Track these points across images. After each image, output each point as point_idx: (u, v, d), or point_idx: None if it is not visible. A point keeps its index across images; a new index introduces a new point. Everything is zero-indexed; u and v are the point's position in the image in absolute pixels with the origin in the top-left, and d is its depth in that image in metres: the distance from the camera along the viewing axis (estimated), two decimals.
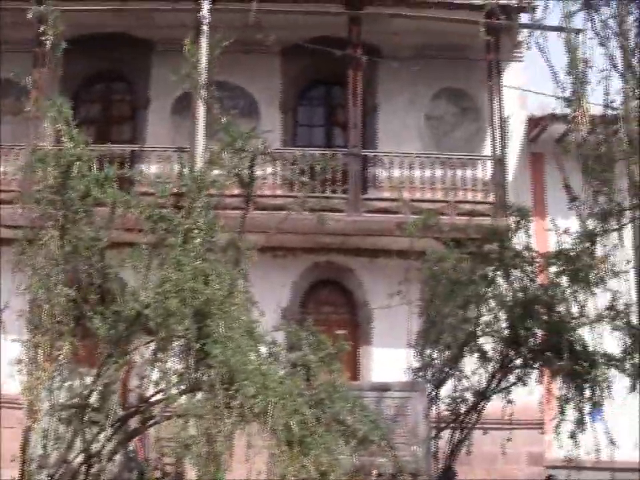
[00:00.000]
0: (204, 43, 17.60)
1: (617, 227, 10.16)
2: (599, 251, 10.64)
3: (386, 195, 17.85)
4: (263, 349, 9.70)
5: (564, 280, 11.47)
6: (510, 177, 18.23)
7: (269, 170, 17.39)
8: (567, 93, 9.85)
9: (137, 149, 18.25)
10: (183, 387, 8.91)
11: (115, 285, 9.34)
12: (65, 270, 9.16)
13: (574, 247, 11.16)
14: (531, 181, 18.82)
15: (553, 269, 11.70)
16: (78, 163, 8.71)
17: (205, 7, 17.78)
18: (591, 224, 10.35)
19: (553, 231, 11.88)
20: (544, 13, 10.38)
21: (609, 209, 10.07)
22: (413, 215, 16.74)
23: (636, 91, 9.65)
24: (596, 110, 10.17)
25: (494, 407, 12.60)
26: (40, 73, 18.04)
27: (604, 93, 9.88)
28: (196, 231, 9.07)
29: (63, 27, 17.63)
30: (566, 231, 11.53)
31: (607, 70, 9.91)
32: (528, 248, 12.07)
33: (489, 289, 12.00)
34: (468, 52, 18.27)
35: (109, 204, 8.96)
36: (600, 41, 10.08)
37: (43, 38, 9.85)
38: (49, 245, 8.47)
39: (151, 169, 17.92)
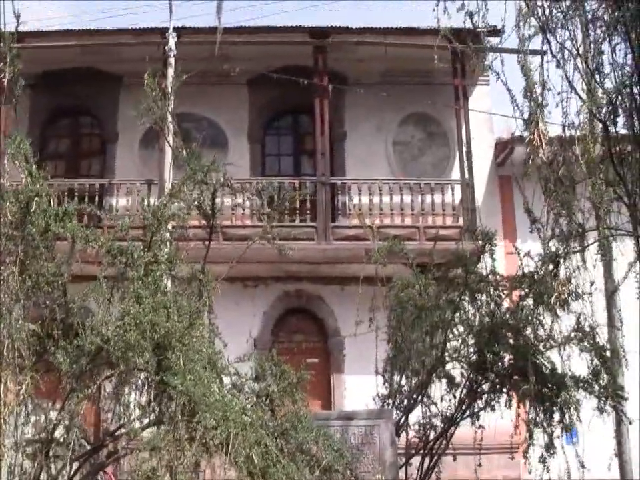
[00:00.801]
0: (170, 75, 17.74)
1: (579, 248, 10.20)
2: (562, 273, 10.67)
3: (355, 222, 17.90)
4: (227, 380, 9.72)
5: (530, 303, 11.50)
6: (479, 200, 18.35)
7: (238, 200, 17.45)
8: (525, 116, 9.94)
9: (105, 182, 18.24)
10: (145, 420, 8.90)
11: (78, 319, 9.30)
12: (26, 305, 9.16)
13: (536, 270, 11.21)
14: (500, 204, 18.92)
15: (518, 292, 11.75)
16: (36, 199, 8.70)
17: (171, 40, 17.92)
18: (553, 246, 10.39)
19: (516, 253, 11.95)
20: (504, 36, 10.49)
21: (571, 231, 10.12)
22: (381, 241, 16.89)
23: (594, 111, 9.75)
24: (556, 131, 10.26)
25: (465, 432, 12.60)
26: (3, 109, 18.05)
27: (562, 114, 9.95)
28: (155, 264, 9.07)
29: (22, 65, 17.98)
30: (528, 254, 11.58)
31: (565, 91, 10.01)
32: (493, 272, 12.11)
33: (456, 314, 12.01)
34: (434, 77, 18.40)
35: (69, 238, 8.97)
36: (557, 63, 10.18)
37: (2, 75, 9.73)
38: (8, 281, 8.47)
39: (120, 202, 18.00)
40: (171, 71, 17.76)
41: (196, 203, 10.62)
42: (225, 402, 8.60)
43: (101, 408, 9.80)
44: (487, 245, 12.07)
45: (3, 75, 9.61)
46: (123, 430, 9.22)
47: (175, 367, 8.53)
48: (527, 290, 11.43)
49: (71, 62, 18.49)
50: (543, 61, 10.23)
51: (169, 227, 10.22)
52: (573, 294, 10.73)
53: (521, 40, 10.29)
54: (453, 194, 18.02)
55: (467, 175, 17.81)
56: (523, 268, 11.64)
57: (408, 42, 18.10)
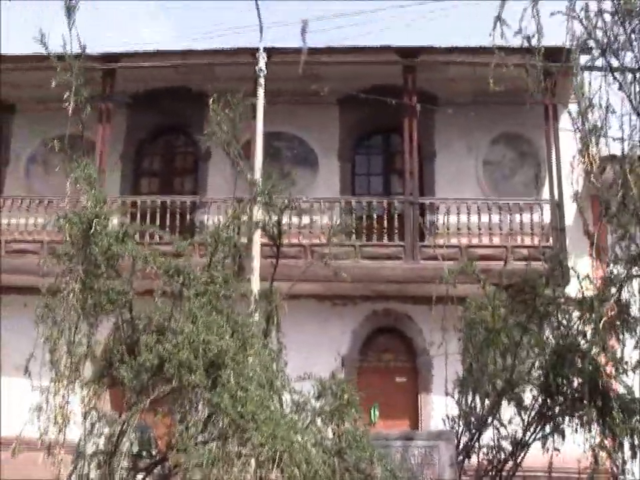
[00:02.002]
0: (260, 94, 18.19)
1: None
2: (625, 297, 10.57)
3: (443, 241, 17.97)
4: (287, 398, 9.99)
5: (598, 326, 11.41)
6: (570, 220, 18.18)
7: (325, 219, 17.77)
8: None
9: (195, 199, 18.75)
10: (200, 436, 9.23)
11: (141, 335, 9.72)
12: (92, 322, 9.65)
13: (598, 294, 11.12)
14: (592, 224, 18.66)
15: (586, 315, 11.66)
16: (96, 220, 9.16)
17: (261, 60, 18.29)
18: (615, 270, 10.35)
19: (585, 278, 11.83)
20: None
21: (633, 255, 10.09)
22: (469, 261, 16.97)
23: None
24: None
25: (535, 455, 12.56)
26: (104, 128, 18.86)
27: (622, 136, 9.97)
28: (212, 284, 9.42)
29: (119, 85, 18.70)
30: (587, 277, 11.50)
31: (627, 114, 10.02)
32: (562, 294, 12.06)
33: (526, 337, 12.00)
34: (525, 96, 18.30)
35: (129, 258, 9.40)
36: (619, 86, 10.20)
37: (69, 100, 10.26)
38: (68, 298, 8.94)
39: (211, 219, 18.49)
40: (261, 91, 18.24)
41: (260, 224, 10.98)
42: (276, 420, 8.87)
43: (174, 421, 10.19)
44: (558, 266, 12.04)
45: (75, 98, 10.08)
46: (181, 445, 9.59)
47: (227, 384, 8.86)
48: (587, 314, 11.33)
49: (166, 82, 19.15)
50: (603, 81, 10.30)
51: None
52: (632, 319, 10.61)
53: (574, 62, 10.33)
54: (542, 214, 17.90)
55: (556, 195, 17.67)
56: (583, 292, 11.54)
57: (498, 61, 18.06)
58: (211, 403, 8.74)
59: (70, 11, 10.11)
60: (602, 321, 10.32)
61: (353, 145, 20.49)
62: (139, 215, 18.25)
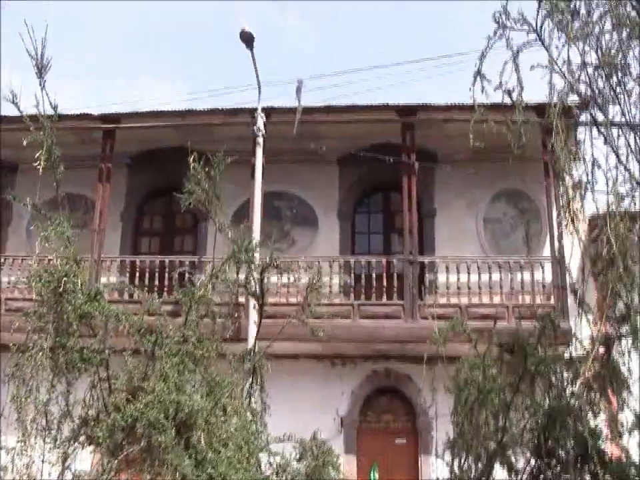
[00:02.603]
0: (259, 154, 18.20)
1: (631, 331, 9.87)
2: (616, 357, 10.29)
3: (443, 301, 17.76)
4: (265, 460, 9.79)
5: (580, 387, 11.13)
6: (573, 278, 17.90)
7: (326, 278, 17.66)
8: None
9: (195, 259, 18.66)
10: None
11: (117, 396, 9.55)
12: (67, 381, 9.49)
13: (586, 353, 10.84)
14: (595, 282, 18.41)
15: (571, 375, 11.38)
16: (65, 279, 9.03)
17: (260, 120, 18.36)
18: (602, 329, 10.10)
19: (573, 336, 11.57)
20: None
21: (622, 314, 9.85)
22: (470, 320, 16.71)
23: None
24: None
25: None
26: (104, 187, 18.87)
27: (608, 190, 9.82)
28: (184, 343, 9.26)
29: (119, 145, 18.75)
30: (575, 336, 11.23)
31: (614, 168, 9.88)
32: (555, 354, 11.78)
33: (518, 397, 11.71)
34: (524, 151, 18.15)
35: (101, 317, 9.27)
36: (604, 139, 10.07)
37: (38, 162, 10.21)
38: (36, 357, 8.81)
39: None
40: (259, 150, 18.26)
41: (239, 282, 10.83)
42: None
43: None
44: (549, 325, 11.75)
45: (39, 161, 10.02)
46: None
47: (197, 445, 8.66)
48: (572, 374, 11.05)
49: (166, 141, 19.07)
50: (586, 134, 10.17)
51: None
52: (620, 379, 10.31)
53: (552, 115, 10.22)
54: (543, 271, 17.67)
55: (557, 252, 17.44)
56: (570, 352, 11.26)
57: (497, 118, 17.99)
58: (175, 464, 8.51)
59: (41, 70, 10.05)
60: (580, 381, 10.02)
61: (353, 203, 20.43)
62: (137, 274, 18.18)
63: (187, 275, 17.43)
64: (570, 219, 9.44)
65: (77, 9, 47.22)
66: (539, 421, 11.53)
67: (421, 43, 42.66)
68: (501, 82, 10.27)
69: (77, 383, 9.59)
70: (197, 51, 46.62)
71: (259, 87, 18.47)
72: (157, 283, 17.67)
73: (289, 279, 16.88)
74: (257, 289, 11.11)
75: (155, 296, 10.58)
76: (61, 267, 9.14)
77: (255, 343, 11.46)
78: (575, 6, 9.71)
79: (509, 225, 19.33)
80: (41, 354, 8.85)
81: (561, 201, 9.94)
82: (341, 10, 46.15)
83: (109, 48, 48.42)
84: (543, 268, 17.68)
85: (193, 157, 11.35)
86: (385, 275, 17.93)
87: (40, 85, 10.49)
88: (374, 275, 17.91)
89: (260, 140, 18.26)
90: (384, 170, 18.57)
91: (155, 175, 20.07)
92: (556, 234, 17.52)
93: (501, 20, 9.95)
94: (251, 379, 10.90)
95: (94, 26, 47.36)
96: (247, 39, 17.87)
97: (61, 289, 8.99)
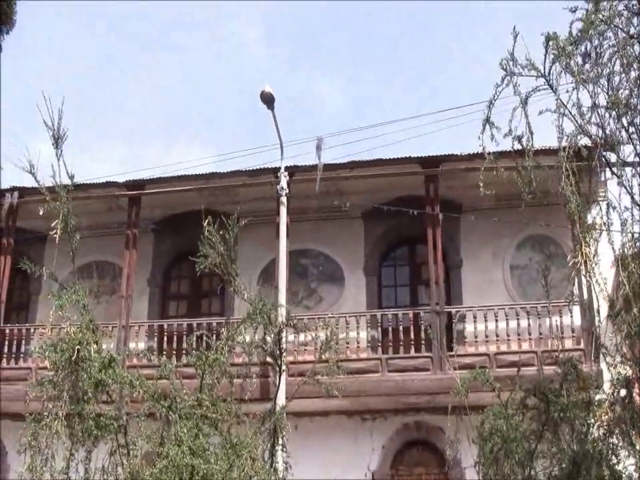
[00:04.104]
0: (283, 213, 18.16)
1: None
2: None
3: (471, 350, 17.53)
4: None
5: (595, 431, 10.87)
6: (603, 321, 17.59)
7: (353, 333, 17.55)
8: None
9: (221, 321, 18.52)
10: None
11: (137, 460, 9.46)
12: (86, 449, 9.43)
13: (608, 397, 10.59)
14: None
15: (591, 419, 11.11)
16: (78, 347, 9.01)
17: (283, 179, 18.36)
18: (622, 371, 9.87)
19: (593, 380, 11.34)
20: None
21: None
22: (499, 368, 16.46)
23: None
24: None
25: None
26: (131, 253, 18.92)
27: (623, 233, 9.67)
28: (199, 407, 9.17)
29: (145, 210, 18.85)
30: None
31: (628, 209, 9.75)
32: (577, 401, 11.52)
33: (543, 444, 11.44)
34: (550, 196, 17.92)
35: (115, 384, 9.23)
36: (618, 181, 9.94)
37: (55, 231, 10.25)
38: (52, 425, 8.76)
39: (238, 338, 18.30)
40: (283, 209, 18.22)
41: (256, 343, 10.74)
42: None
43: None
44: (572, 370, 11.50)
45: (56, 230, 10.04)
46: None
47: None
48: (595, 418, 10.78)
49: (190, 205, 19.06)
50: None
51: None
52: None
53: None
54: (572, 316, 17.36)
55: (585, 296, 17.15)
56: (590, 395, 10.99)
57: (521, 166, 17.87)
58: None
59: (57, 141, 10.13)
60: (598, 425, 9.77)
61: (379, 257, 20.32)
62: (165, 338, 18.16)
63: (204, 338, 17.39)
64: (583, 262, 9.25)
65: (109, 78, 48.01)
66: (564, 467, 11.26)
67: (442, 94, 42.82)
68: (510, 129, 10.19)
69: (97, 450, 9.55)
70: (229, 115, 47.20)
71: (281, 147, 18.50)
72: (184, 345, 17.58)
73: (315, 336, 16.75)
74: (276, 349, 11.03)
75: (168, 360, 10.37)
76: (75, 336, 9.12)
77: (275, 401, 11.31)
78: (585, 48, 9.64)
79: (536, 270, 19.03)
80: (56, 422, 8.80)
81: (573, 244, 9.77)
82: (365, 66, 46.53)
83: (144, 115, 49.08)
84: (571, 312, 17.37)
85: (207, 219, 11.32)
86: (412, 327, 17.71)
87: (56, 155, 10.56)
88: (401, 328, 17.79)
89: (284, 199, 18.24)
90: (409, 222, 18.53)
91: (180, 239, 20.06)
92: (584, 278, 17.28)
93: (508, 67, 9.90)
94: (272, 439, 10.75)
95: (128, 92, 48.20)
96: (268, 100, 17.93)
97: (75, 357, 8.96)
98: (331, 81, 48.85)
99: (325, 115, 46.29)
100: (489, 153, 10.85)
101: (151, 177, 19.25)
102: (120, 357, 9.60)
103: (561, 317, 17.35)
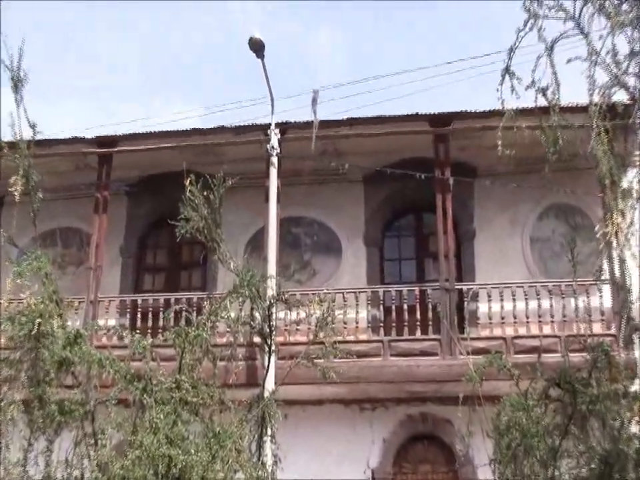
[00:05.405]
0: (273, 175, 18.00)
1: None
2: None
3: (485, 333, 17.44)
4: None
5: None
6: (637, 302, 17.51)
7: (352, 312, 17.41)
8: None
9: (203, 296, 18.37)
10: None
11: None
12: (48, 438, 9.35)
13: None
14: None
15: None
16: (40, 320, 8.89)
17: (274, 137, 18.17)
18: None
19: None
20: None
21: None
22: (517, 354, 16.40)
23: None
24: None
25: None
26: (101, 219, 18.77)
27: None
28: (177, 390, 9.08)
29: (117, 171, 18.70)
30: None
31: None
32: (612, 390, 11.44)
33: (568, 441, 11.36)
34: (577, 159, 17.70)
35: (82, 364, 9.14)
36: None
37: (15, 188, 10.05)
38: (6, 411, 8.67)
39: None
40: (274, 171, 18.06)
41: (244, 320, 10.61)
42: None
43: None
44: (599, 359, 11.40)
45: (15, 188, 9.85)
46: None
47: None
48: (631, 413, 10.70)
49: (169, 166, 18.87)
50: None
51: None
52: None
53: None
54: (601, 296, 17.26)
55: (617, 273, 17.05)
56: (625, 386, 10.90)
57: (542, 123, 17.71)
58: None
59: (17, 84, 9.92)
60: (630, 420, 9.69)
61: (381, 227, 20.29)
62: (139, 315, 18.05)
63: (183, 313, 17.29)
64: (614, 233, 9.15)
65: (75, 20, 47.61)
66: (593, 468, 11.19)
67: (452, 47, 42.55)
68: (533, 80, 10.04)
69: (59, 440, 9.46)
70: (217, 68, 46.97)
71: (272, 100, 18.30)
72: (161, 324, 17.49)
73: (308, 314, 16.65)
74: (265, 327, 10.89)
75: (142, 337, 10.23)
76: (36, 307, 9.00)
77: (263, 386, 11.19)
78: None
79: (559, 243, 18.93)
80: (12, 407, 8.70)
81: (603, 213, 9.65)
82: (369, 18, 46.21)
83: (118, 66, 48.76)
84: (600, 292, 17.26)
85: (189, 178, 11.16)
86: (418, 306, 17.64)
87: (16, 101, 10.37)
88: (406, 307, 17.64)
89: (274, 159, 18.08)
90: (415, 187, 18.40)
91: (158, 203, 20.01)
92: (615, 252, 17.17)
93: (532, 8, 9.71)
94: (260, 429, 10.65)
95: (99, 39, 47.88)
96: (257, 47, 17.72)
97: (35, 332, 8.85)
98: (331, 30, 48.52)
99: (323, 67, 46.03)
100: (508, 109, 10.67)
101: (125, 133, 19.07)
102: (87, 333, 9.43)
103: (588, 297, 17.27)
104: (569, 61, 9.78)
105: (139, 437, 8.62)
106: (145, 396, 9.02)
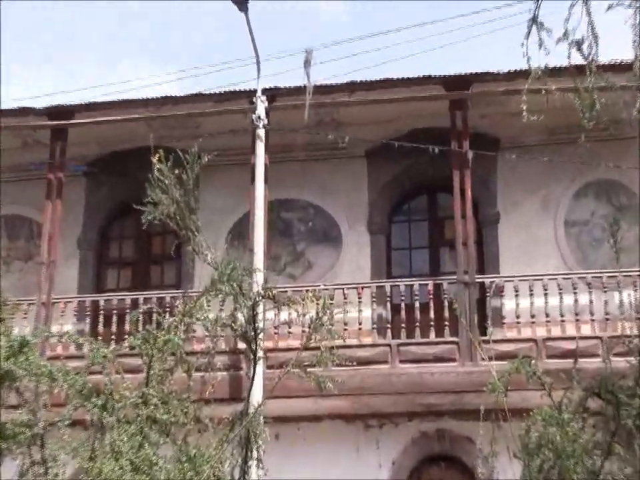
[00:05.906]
0: (260, 151, 17.87)
1: None
2: None
3: (512, 334, 17.34)
4: None
5: None
6: None
7: (353, 311, 17.31)
8: None
9: (167, 294, 18.24)
10: None
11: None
12: None
13: None
14: None
15: None
16: None
17: (260, 106, 18.01)
18: None
19: None
20: None
21: None
22: (549, 359, 16.29)
23: None
24: None
25: None
26: (55, 204, 18.65)
27: None
28: (143, 406, 8.98)
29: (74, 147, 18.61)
30: None
31: None
32: None
33: (612, 462, 11.31)
34: (621, 127, 17.59)
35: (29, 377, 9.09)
36: None
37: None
38: None
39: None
40: (261, 146, 17.92)
41: (224, 321, 10.48)
42: None
43: None
44: None
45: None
46: None
47: None
48: None
49: (136, 140, 18.78)
50: None
51: None
52: None
53: None
54: None
55: None
56: None
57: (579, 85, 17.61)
58: None
59: None
60: None
61: (388, 210, 20.30)
62: (101, 319, 17.96)
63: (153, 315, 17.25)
64: None
65: None
66: None
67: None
68: (565, 31, 9.89)
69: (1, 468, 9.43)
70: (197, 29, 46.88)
71: (258, 62, 18.15)
72: (127, 328, 17.40)
73: (300, 314, 16.56)
74: (250, 329, 10.76)
75: (103, 344, 10.14)
76: None
77: (248, 401, 11.06)
78: None
79: (600, 227, 18.85)
80: None
81: None
82: None
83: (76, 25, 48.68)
84: None
85: (158, 154, 10.96)
86: (432, 303, 17.55)
87: None
88: (417, 305, 17.56)
89: (261, 132, 17.93)
90: (428, 163, 18.43)
91: (122, 185, 19.99)
92: None
93: None
94: (244, 451, 10.54)
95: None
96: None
97: None
98: None
99: (319, 25, 45.98)
100: (535, 68, 10.51)
101: (83, 102, 18.96)
102: (36, 340, 9.33)
103: (635, 290, 17.22)
104: (609, 7, 9.63)
105: (98, 464, 8.54)
106: (105, 414, 8.93)
